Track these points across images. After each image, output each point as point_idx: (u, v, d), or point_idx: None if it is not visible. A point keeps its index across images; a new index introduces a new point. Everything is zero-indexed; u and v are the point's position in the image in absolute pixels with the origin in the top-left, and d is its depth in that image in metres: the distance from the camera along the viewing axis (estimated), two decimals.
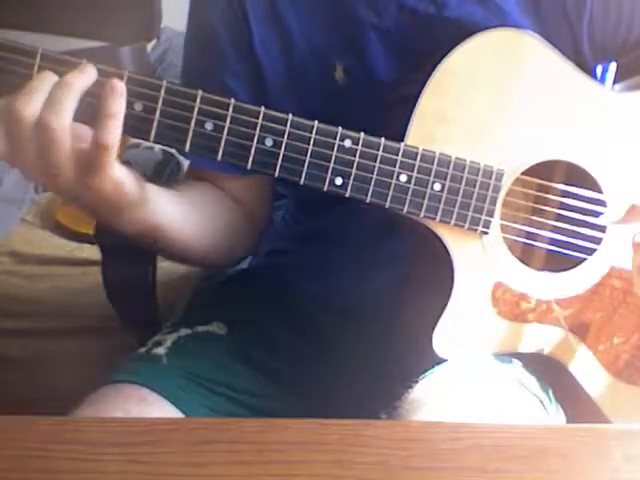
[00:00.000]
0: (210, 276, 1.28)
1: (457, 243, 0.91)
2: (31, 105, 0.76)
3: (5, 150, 0.77)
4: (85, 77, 0.78)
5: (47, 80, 0.77)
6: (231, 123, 0.81)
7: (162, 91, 0.80)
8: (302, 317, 1.04)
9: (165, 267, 1.58)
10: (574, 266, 0.95)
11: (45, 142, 0.76)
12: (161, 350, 1.00)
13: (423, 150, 0.87)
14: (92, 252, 1.64)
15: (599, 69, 1.04)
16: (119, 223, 0.87)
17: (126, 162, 1.24)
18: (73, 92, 0.77)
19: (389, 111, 0.91)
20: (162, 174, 1.26)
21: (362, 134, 0.85)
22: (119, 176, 0.81)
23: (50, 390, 1.40)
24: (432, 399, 0.90)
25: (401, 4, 0.94)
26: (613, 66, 1.06)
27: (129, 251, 1.21)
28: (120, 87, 0.77)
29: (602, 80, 1.04)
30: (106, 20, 1.77)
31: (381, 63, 0.95)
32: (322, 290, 1.00)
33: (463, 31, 0.89)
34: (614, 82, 1.06)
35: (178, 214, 0.92)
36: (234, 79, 0.97)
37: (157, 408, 0.91)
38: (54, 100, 0.76)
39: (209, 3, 0.99)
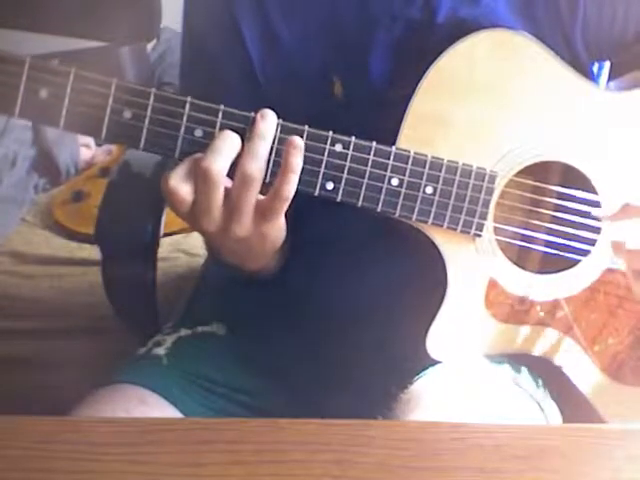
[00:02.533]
0: (210, 277, 1.28)
1: (450, 246, 0.91)
2: (220, 161, 0.79)
3: (190, 207, 0.80)
4: (271, 125, 0.81)
5: (230, 137, 0.80)
6: (220, 130, 0.81)
7: (151, 99, 0.80)
8: (301, 318, 1.03)
9: (165, 267, 1.58)
10: (568, 268, 0.95)
11: (243, 189, 0.80)
12: (161, 350, 1.00)
13: (415, 153, 0.87)
14: (92, 252, 1.64)
15: (594, 67, 1.04)
16: (251, 264, 0.92)
17: (125, 162, 1.25)
18: (268, 142, 0.81)
19: (382, 114, 0.91)
20: (162, 174, 1.25)
21: (353, 138, 0.85)
22: (283, 224, 0.85)
23: (50, 390, 1.40)
24: (427, 400, 0.90)
25: (394, 15, 0.94)
26: (607, 64, 1.06)
27: (129, 251, 1.21)
28: (300, 144, 0.81)
29: (596, 78, 1.04)
30: (106, 20, 1.78)
31: (378, 75, 0.95)
32: (320, 292, 1.00)
33: (456, 34, 0.89)
34: (608, 80, 1.06)
35: None
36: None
37: (157, 408, 0.91)
38: (254, 151, 0.80)
39: (205, 32, 0.99)
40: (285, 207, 0.82)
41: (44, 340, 1.56)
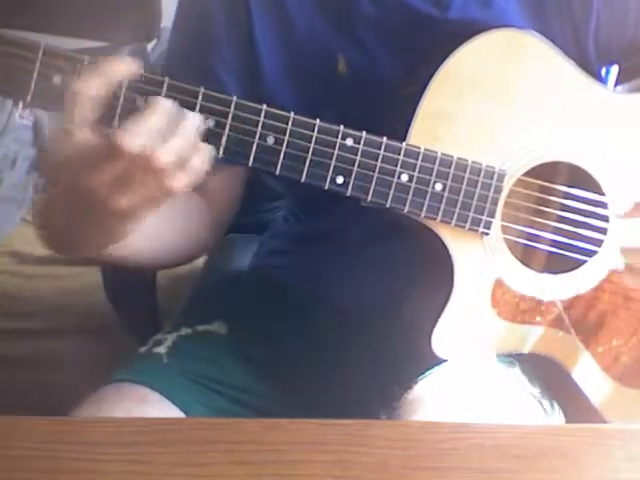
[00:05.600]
0: (210, 276, 1.28)
1: (457, 243, 0.91)
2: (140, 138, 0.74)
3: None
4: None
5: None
6: (233, 120, 0.81)
7: (164, 88, 0.80)
8: (302, 317, 1.04)
9: None
10: (575, 268, 0.95)
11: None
12: (161, 349, 1.00)
13: (425, 150, 0.87)
14: None
15: (602, 71, 1.04)
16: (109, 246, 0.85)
17: None
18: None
19: (392, 110, 0.91)
20: None
21: (364, 133, 0.85)
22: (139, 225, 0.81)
23: (50, 390, 1.40)
24: (431, 400, 0.90)
25: (403, 4, 0.94)
26: (615, 68, 1.06)
27: None
28: None
29: (604, 81, 1.04)
30: (107, 21, 1.78)
31: (384, 60, 0.95)
32: (323, 290, 1.00)
33: (466, 33, 0.89)
34: (616, 84, 1.06)
35: (161, 229, 0.90)
36: (226, 72, 0.95)
37: (157, 407, 0.91)
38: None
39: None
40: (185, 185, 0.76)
41: (44, 340, 1.56)
